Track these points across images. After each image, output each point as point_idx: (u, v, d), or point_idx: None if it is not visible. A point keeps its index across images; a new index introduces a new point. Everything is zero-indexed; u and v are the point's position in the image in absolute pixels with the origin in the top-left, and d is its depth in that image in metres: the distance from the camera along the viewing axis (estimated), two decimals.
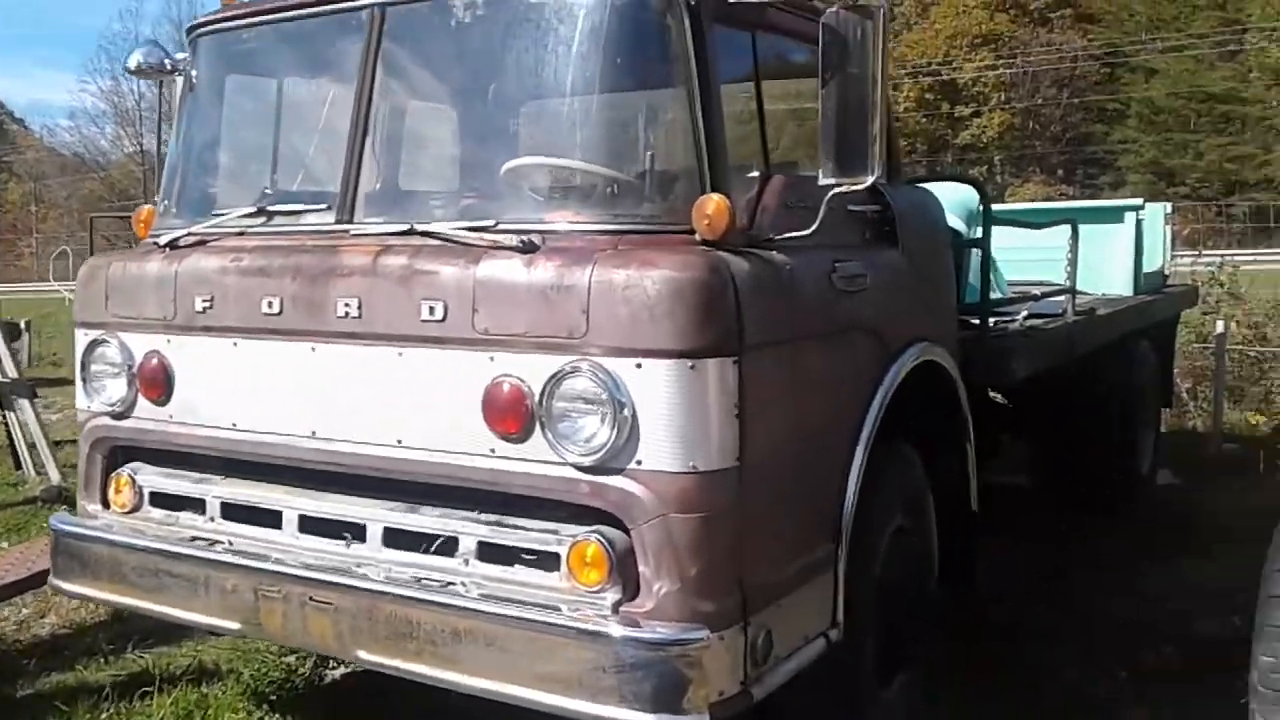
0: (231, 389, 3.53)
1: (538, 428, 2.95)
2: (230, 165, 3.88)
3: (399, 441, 3.20)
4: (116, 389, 3.75)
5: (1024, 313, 5.64)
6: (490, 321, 3.00)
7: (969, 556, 4.47)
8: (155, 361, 3.66)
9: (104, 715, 4.05)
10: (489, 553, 3.11)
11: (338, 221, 3.38)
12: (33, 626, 5.05)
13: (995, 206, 5.38)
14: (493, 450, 3.04)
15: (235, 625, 3.47)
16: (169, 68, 3.92)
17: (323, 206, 3.43)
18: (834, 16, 3.01)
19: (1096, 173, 48.52)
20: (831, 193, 3.10)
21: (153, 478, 3.78)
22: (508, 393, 2.98)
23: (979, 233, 5.32)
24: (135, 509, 3.79)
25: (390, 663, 3.16)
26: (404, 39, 3.39)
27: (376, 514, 3.31)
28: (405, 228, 3.21)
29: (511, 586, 3.05)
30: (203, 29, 3.85)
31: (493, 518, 3.13)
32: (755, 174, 3.32)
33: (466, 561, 3.14)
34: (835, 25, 3.01)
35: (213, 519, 3.62)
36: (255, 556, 3.43)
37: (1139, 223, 7.20)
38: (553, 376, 2.90)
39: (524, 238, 3.00)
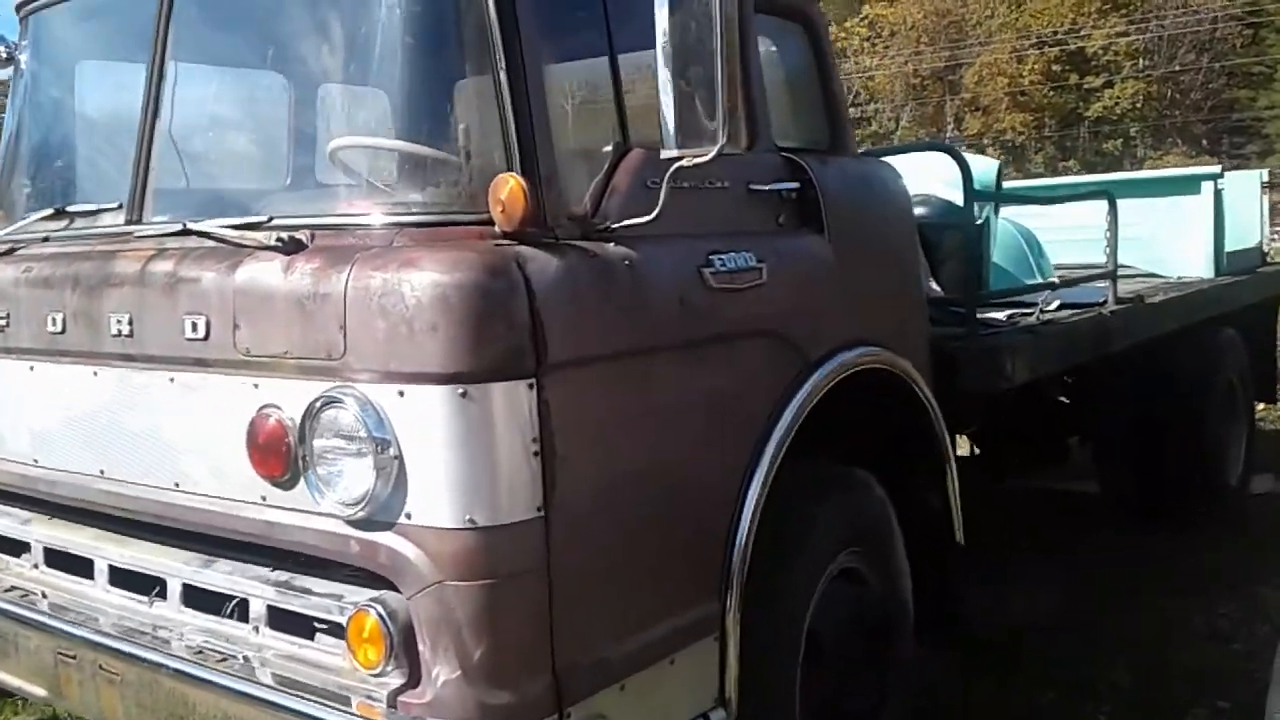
0: (30, 419, 3.07)
1: (301, 471, 2.39)
2: (48, 160, 3.42)
3: (176, 485, 2.69)
4: None
5: (1055, 303, 4.84)
6: (251, 340, 2.45)
7: (951, 599, 3.73)
8: None
9: None
10: (280, 620, 2.57)
11: (127, 222, 2.88)
12: None
13: (1022, 183, 4.61)
14: (263, 498, 2.50)
15: (42, 691, 3.02)
16: (5, 55, 3.49)
17: (114, 205, 2.94)
18: None
19: (1243, 141, 45.42)
20: (673, 167, 2.44)
21: None
22: (270, 428, 2.42)
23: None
24: None
25: None
26: (195, 8, 2.87)
27: (176, 568, 2.80)
28: (179, 227, 2.68)
29: (298, 664, 2.50)
30: (30, 5, 3.40)
31: (283, 577, 2.58)
32: (607, 149, 2.67)
33: (257, 629, 2.60)
34: None
35: (36, 566, 3.18)
36: (61, 613, 2.97)
37: (1218, 194, 6.19)
38: (309, 408, 2.33)
39: (290, 235, 2.44)
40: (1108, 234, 4.88)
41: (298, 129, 2.90)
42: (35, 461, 3.07)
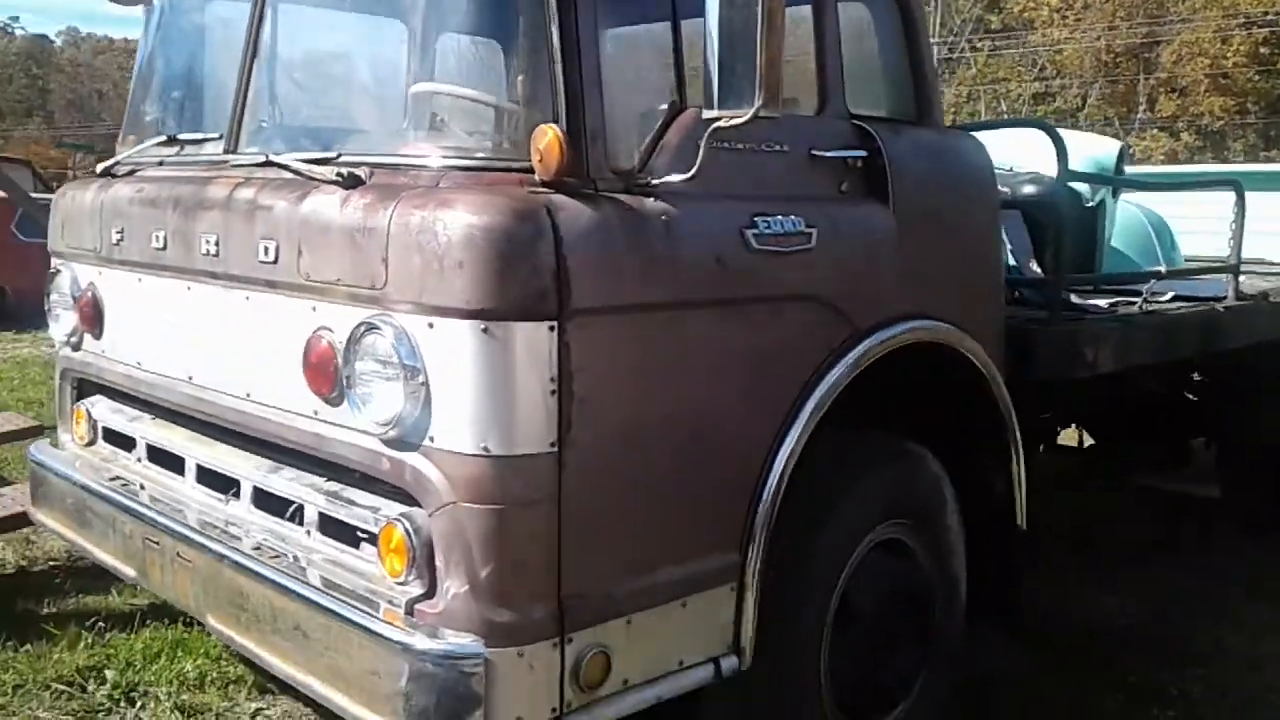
0: (138, 326, 3.38)
1: (345, 390, 2.58)
2: (170, 91, 3.69)
3: (248, 395, 2.93)
4: (69, 320, 3.70)
5: (1168, 294, 4.69)
6: (314, 266, 2.65)
7: (1012, 586, 3.70)
8: (90, 294, 3.57)
9: (83, 644, 4.06)
10: (329, 526, 2.79)
11: (225, 151, 3.12)
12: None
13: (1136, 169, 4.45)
14: (315, 412, 2.71)
15: (132, 572, 3.33)
16: None
17: (215, 136, 3.19)
18: None
19: None
20: (711, 127, 2.51)
21: (104, 412, 3.70)
22: (322, 348, 2.63)
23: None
24: (91, 442, 3.74)
25: (228, 634, 2.91)
26: None
27: (248, 471, 3.05)
28: (262, 159, 2.90)
29: (340, 568, 2.72)
30: None
31: (334, 488, 2.79)
32: (663, 108, 2.75)
33: (309, 533, 2.83)
34: None
35: (140, 460, 3.50)
36: (154, 504, 3.27)
37: None
38: (353, 332, 2.52)
39: (350, 171, 2.62)
40: (1233, 226, 4.68)
41: (372, 72, 3.09)
42: (139, 364, 3.38)
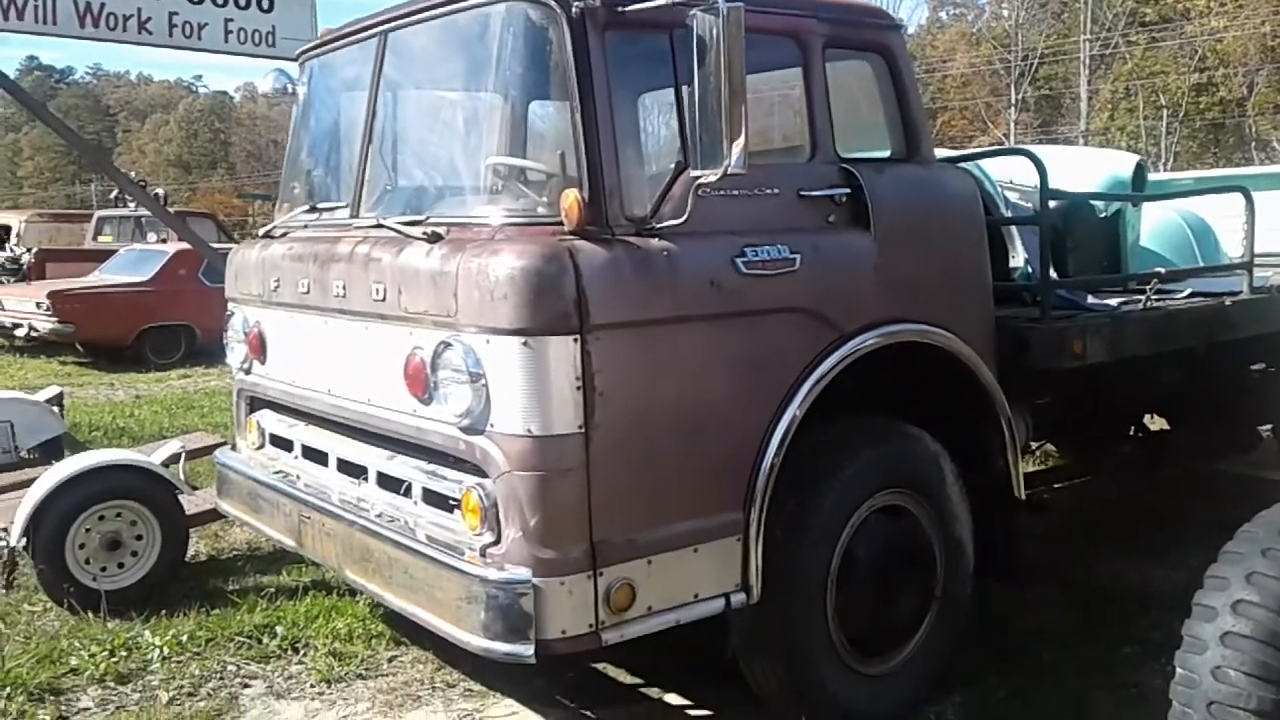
0: (291, 353, 4.36)
1: (433, 392, 3.46)
2: (311, 170, 4.70)
3: (369, 400, 3.84)
4: (241, 351, 4.72)
5: (1187, 290, 5.20)
6: (409, 302, 3.54)
7: (1011, 543, 4.34)
8: (256, 329, 4.58)
9: (259, 609, 5.07)
10: (430, 496, 3.67)
11: (350, 216, 4.06)
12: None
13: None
14: (414, 411, 3.59)
15: (292, 542, 4.30)
16: (291, 90, 4.81)
17: (344, 204, 4.14)
18: (694, 19, 3.18)
19: None
20: (696, 183, 3.29)
21: (270, 421, 4.71)
22: (416, 362, 3.51)
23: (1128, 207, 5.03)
24: (261, 447, 4.75)
25: (360, 581, 3.83)
26: (392, 60, 4.00)
27: (372, 459, 3.97)
28: (374, 222, 3.82)
29: (438, 528, 3.59)
30: (304, 54, 4.70)
31: (431, 468, 3.67)
32: (670, 167, 3.54)
33: (415, 503, 3.72)
34: (694, 26, 3.18)
35: (296, 457, 4.47)
36: (306, 489, 4.23)
37: None
38: (436, 349, 3.39)
39: (434, 229, 3.51)
40: (1245, 226, 5.14)
41: (451, 146, 4.00)
42: (293, 382, 4.35)
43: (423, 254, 3.48)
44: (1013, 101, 41.97)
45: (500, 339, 3.22)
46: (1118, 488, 6.98)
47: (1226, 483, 6.87)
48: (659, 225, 3.39)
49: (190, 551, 5.88)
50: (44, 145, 71.28)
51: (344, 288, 3.87)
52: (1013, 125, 40.43)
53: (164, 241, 16.27)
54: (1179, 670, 3.03)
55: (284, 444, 4.56)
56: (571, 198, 3.26)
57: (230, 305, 4.79)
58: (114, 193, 21.01)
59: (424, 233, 3.50)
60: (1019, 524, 4.36)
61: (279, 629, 4.85)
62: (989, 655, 4.47)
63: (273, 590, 5.30)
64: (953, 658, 4.21)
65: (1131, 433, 6.48)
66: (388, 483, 3.85)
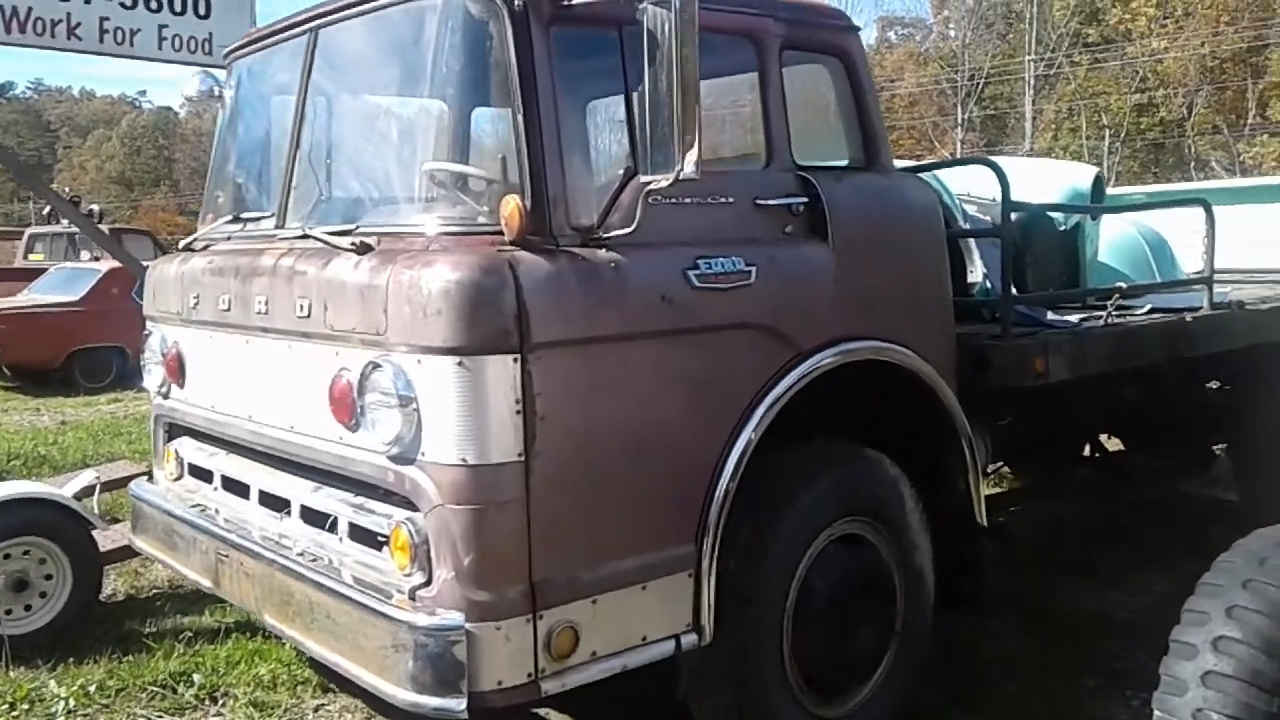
0: (211, 375, 4.05)
1: (360, 417, 3.17)
2: (236, 178, 4.40)
3: (292, 427, 3.55)
4: (159, 373, 4.39)
5: (1146, 305, 5.05)
6: (336, 318, 3.25)
7: (974, 574, 4.12)
8: (175, 350, 4.26)
9: (175, 654, 4.73)
10: (357, 533, 3.37)
11: (275, 227, 3.77)
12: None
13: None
14: (340, 438, 3.30)
15: (209, 583, 3.97)
16: (217, 93, 4.51)
17: (269, 214, 3.84)
18: (644, 13, 2.95)
19: None
20: (646, 189, 3.05)
21: (189, 450, 4.38)
22: (343, 385, 3.22)
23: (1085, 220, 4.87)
24: (179, 477, 4.42)
25: (280, 627, 3.52)
26: (322, 59, 3.72)
27: (296, 492, 3.66)
28: (300, 233, 3.53)
29: (365, 567, 3.30)
30: (231, 54, 4.41)
31: (359, 500, 3.38)
32: (620, 173, 3.30)
33: (341, 540, 3.43)
34: (645, 21, 2.95)
35: (216, 488, 4.15)
36: (227, 524, 3.91)
37: None
38: (364, 370, 3.11)
39: (363, 240, 3.23)
40: (1204, 240, 5.01)
41: (382, 152, 3.72)
42: (213, 407, 4.04)
43: (350, 266, 3.20)
44: (959, 121, 42.43)
45: (433, 359, 2.94)
46: (1074, 509, 6.85)
47: (1181, 503, 6.79)
48: (606, 235, 3.14)
49: (107, 590, 5.53)
50: None
51: (266, 304, 3.57)
52: (959, 144, 40.81)
53: (97, 260, 15.73)
54: (1157, 712, 2.83)
55: (203, 475, 4.24)
56: (512, 205, 3.00)
57: (148, 324, 4.47)
58: (46, 209, 20.41)
59: (352, 243, 3.22)
60: (982, 551, 4.15)
61: (196, 677, 4.50)
62: (952, 689, 4.27)
63: (192, 632, 4.94)
64: (914, 693, 3.99)
65: (1088, 453, 6.36)
66: (312, 517, 3.56)
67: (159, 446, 4.58)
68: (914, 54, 48.27)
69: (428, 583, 3.03)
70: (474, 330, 2.90)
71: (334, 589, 3.22)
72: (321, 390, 3.32)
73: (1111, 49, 42.76)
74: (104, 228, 14.45)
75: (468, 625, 2.91)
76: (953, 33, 46.54)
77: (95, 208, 18.79)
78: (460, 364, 2.91)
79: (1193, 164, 40.90)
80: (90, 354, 13.86)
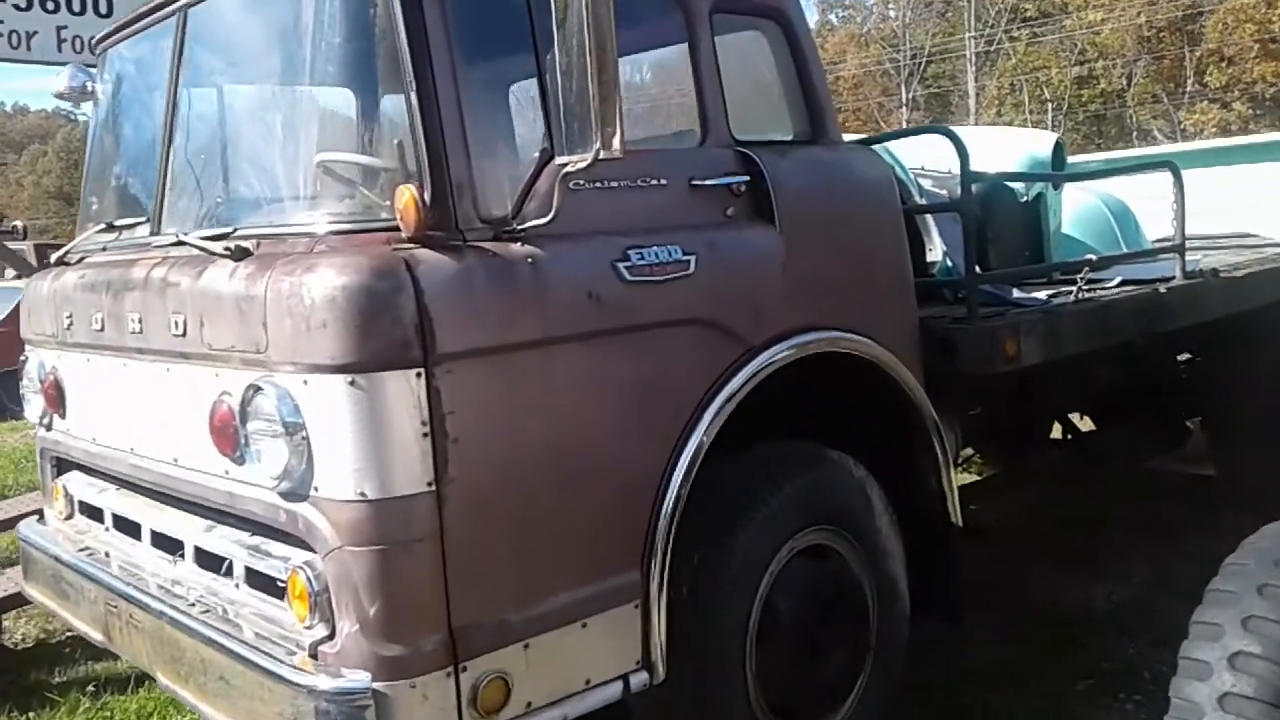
0: (90, 403, 3.59)
1: (244, 449, 2.75)
2: (110, 181, 3.93)
3: (175, 460, 3.11)
4: (38, 402, 3.93)
5: (1116, 278, 4.72)
6: (213, 335, 2.83)
7: (949, 576, 3.77)
8: (53, 376, 3.80)
9: (82, 709, 4.28)
10: (254, 578, 2.95)
11: (150, 234, 3.33)
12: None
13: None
14: (226, 472, 2.88)
15: (100, 636, 3.52)
16: (90, 89, 4.03)
17: (144, 219, 3.40)
18: None
19: None
20: (564, 172, 2.65)
21: (78, 486, 3.92)
22: (223, 412, 2.80)
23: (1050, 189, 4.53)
24: (69, 516, 3.95)
25: (173, 688, 3.08)
26: (194, 42, 3.28)
27: (188, 532, 3.23)
28: (174, 239, 3.10)
29: (263, 619, 2.87)
30: (101, 43, 3.93)
31: (255, 541, 2.95)
32: (535, 156, 2.89)
33: (238, 586, 3.00)
34: None
35: (107, 529, 3.70)
36: (118, 570, 3.46)
37: None
38: (245, 395, 2.69)
39: (239, 244, 2.80)
40: (1174, 206, 4.69)
41: (260, 145, 3.27)
42: (94, 439, 3.59)
43: (225, 275, 2.77)
44: (904, 101, 42.43)
45: (321, 378, 2.52)
46: (1046, 494, 6.54)
47: (1155, 481, 6.50)
48: (521, 227, 2.73)
49: (17, 635, 5.05)
50: None
51: (140, 321, 3.14)
52: (905, 124, 40.76)
53: (20, 278, 15.03)
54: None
55: (94, 513, 3.79)
56: (407, 195, 2.57)
57: (26, 348, 4.01)
58: None
59: (227, 248, 2.79)
60: (956, 552, 3.79)
61: None
62: (931, 704, 3.92)
63: (103, 680, 4.49)
64: (892, 710, 3.63)
65: (1060, 434, 6.05)
66: (207, 561, 3.12)
67: (47, 483, 4.12)
68: (855, 36, 48.20)
69: (331, 636, 2.62)
70: (366, 343, 2.49)
71: (225, 646, 2.79)
72: (203, 418, 2.89)
73: (1050, 23, 42.95)
74: (26, 245, 13.78)
75: (376, 685, 2.50)
76: (893, 13, 46.54)
77: (18, 224, 18.01)
78: (353, 383, 2.49)
79: (1134, 133, 41.20)
80: (14, 377, 13.16)
